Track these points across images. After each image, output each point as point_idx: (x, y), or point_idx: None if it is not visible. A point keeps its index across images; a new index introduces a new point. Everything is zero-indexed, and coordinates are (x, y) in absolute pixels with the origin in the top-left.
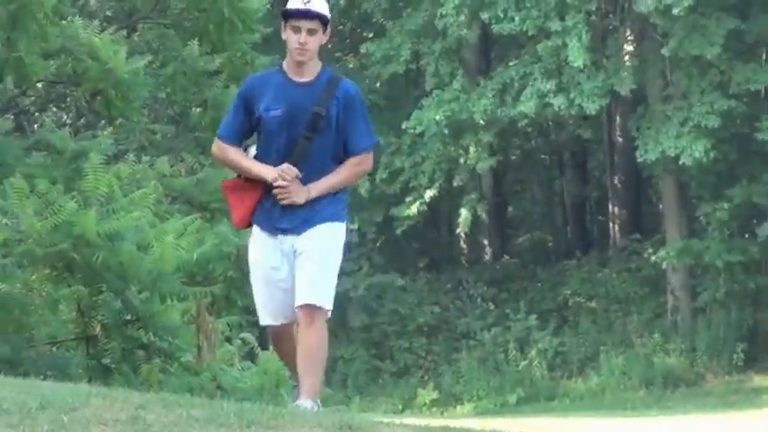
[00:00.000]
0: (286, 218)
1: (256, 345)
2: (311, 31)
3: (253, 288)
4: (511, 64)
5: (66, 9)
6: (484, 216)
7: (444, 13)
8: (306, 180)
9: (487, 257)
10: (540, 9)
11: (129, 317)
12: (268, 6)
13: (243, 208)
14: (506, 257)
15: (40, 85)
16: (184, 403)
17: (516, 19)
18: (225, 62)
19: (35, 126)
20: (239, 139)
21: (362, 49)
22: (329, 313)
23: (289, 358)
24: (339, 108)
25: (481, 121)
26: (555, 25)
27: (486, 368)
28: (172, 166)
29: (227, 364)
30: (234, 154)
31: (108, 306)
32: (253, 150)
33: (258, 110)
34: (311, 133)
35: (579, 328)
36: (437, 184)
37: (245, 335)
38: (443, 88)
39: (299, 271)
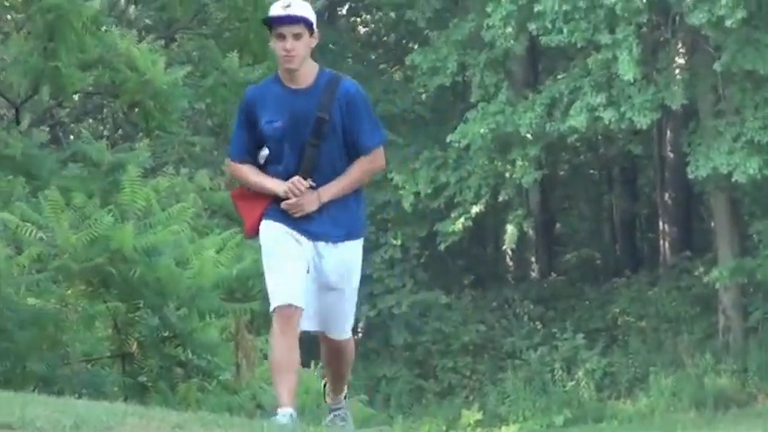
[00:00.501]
0: (309, 223)
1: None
2: (297, 36)
3: (268, 270)
4: (559, 77)
5: (104, 18)
6: (531, 232)
7: (491, 24)
8: (318, 186)
9: (534, 275)
10: (589, 21)
11: (166, 334)
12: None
13: (254, 216)
14: (554, 275)
15: (76, 96)
16: (223, 423)
17: (565, 31)
18: (266, 73)
19: (71, 138)
20: (249, 155)
21: (408, 61)
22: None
23: (278, 354)
24: (342, 110)
25: (528, 135)
26: (605, 38)
27: (533, 388)
28: (211, 180)
29: (266, 383)
30: (246, 171)
31: (145, 323)
32: (265, 153)
33: (260, 123)
34: (317, 140)
35: (628, 348)
36: (483, 200)
37: None
38: (489, 101)
39: (324, 305)
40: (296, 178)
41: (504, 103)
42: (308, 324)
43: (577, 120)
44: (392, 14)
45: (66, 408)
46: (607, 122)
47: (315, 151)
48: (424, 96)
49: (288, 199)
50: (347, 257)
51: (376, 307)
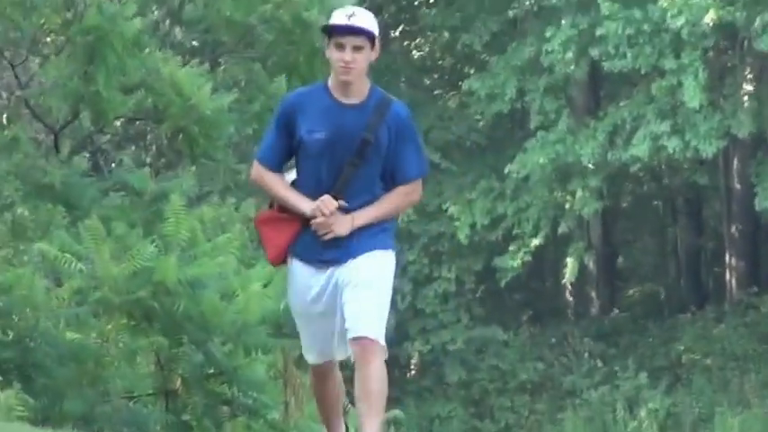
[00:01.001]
0: (329, 249)
1: (347, 401)
2: (357, 48)
3: (296, 323)
4: (622, 104)
5: (146, 40)
6: (591, 266)
7: (550, 49)
8: (350, 210)
9: (595, 310)
10: (653, 45)
11: (211, 370)
12: None
13: (278, 243)
14: (615, 311)
15: (118, 122)
16: None
17: (628, 56)
18: None
19: (112, 166)
20: (280, 164)
21: (464, 86)
22: (386, 350)
23: (324, 402)
24: (390, 134)
25: (589, 166)
26: (670, 63)
27: (593, 429)
28: (258, 209)
29: (315, 422)
30: (273, 180)
31: (189, 359)
32: (291, 176)
33: (300, 131)
34: (358, 160)
35: (693, 387)
36: (542, 233)
37: None
38: (548, 128)
39: (349, 303)
40: (326, 197)
41: (565, 131)
42: (340, 354)
43: (640, 148)
44: (446, 35)
45: None
46: (671, 151)
47: (353, 172)
48: (480, 123)
49: (314, 218)
50: (363, 262)
51: (429, 343)
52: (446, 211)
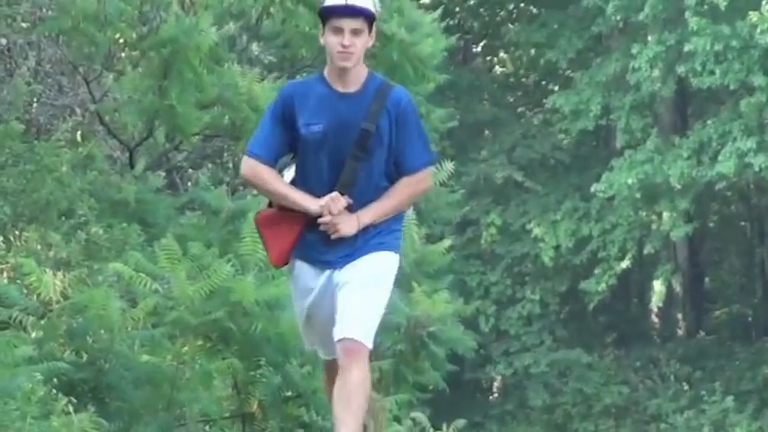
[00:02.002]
0: (333, 250)
1: (428, 425)
2: (355, 32)
3: (301, 323)
4: (709, 122)
5: (223, 55)
6: (678, 288)
7: (637, 66)
8: (355, 207)
9: (681, 333)
10: (742, 62)
11: (288, 393)
12: (444, 53)
13: (282, 245)
14: (702, 333)
15: (194, 138)
16: None
17: (717, 72)
18: None
19: (189, 184)
20: (275, 158)
21: (548, 103)
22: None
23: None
24: (391, 122)
25: (676, 185)
26: (759, 79)
27: None
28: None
29: None
30: (270, 177)
31: (266, 381)
32: (290, 174)
33: (297, 124)
34: (361, 153)
35: None
36: (628, 255)
37: (415, 414)
38: (636, 148)
39: (342, 302)
40: (334, 194)
41: (653, 150)
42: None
43: (726, 165)
44: (530, 51)
45: None
46: (757, 169)
47: (356, 165)
48: (564, 141)
49: (321, 216)
50: (364, 264)
51: (512, 366)
52: (530, 232)
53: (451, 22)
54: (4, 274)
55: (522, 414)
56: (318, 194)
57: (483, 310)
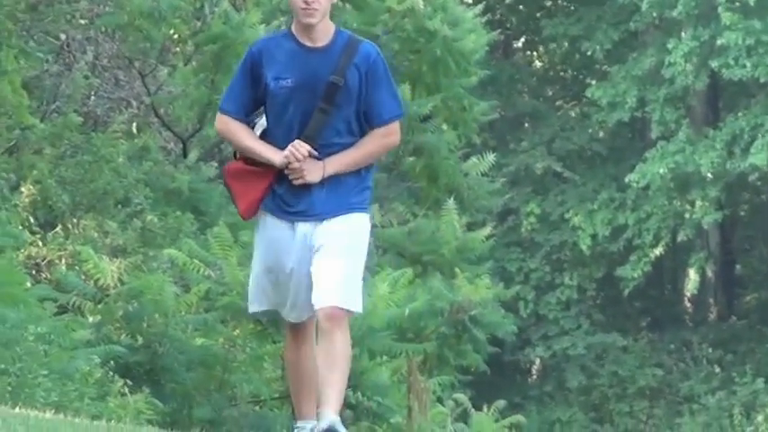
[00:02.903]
0: (302, 201)
1: (470, 406)
2: None
3: (251, 274)
4: (740, 114)
5: None
6: (710, 274)
7: (672, 60)
8: (322, 157)
9: (713, 317)
10: None
11: None
12: (486, 48)
13: (250, 197)
14: (733, 318)
15: None
16: None
17: (748, 65)
18: (439, 106)
19: None
20: (244, 112)
21: (588, 93)
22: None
23: (296, 374)
24: (360, 76)
25: (708, 175)
26: None
27: None
28: (382, 216)
29: (439, 426)
30: (239, 130)
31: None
32: (262, 122)
33: (266, 79)
34: (327, 105)
35: None
36: (662, 242)
37: (457, 395)
38: (669, 139)
39: (319, 269)
40: (296, 142)
41: (684, 141)
42: (308, 311)
43: (758, 157)
44: (566, 45)
45: None
46: None
47: (323, 118)
48: (601, 133)
49: (287, 167)
50: (343, 224)
51: (550, 349)
52: (568, 220)
53: (492, 18)
54: (63, 261)
55: (560, 395)
56: (286, 147)
57: (523, 295)
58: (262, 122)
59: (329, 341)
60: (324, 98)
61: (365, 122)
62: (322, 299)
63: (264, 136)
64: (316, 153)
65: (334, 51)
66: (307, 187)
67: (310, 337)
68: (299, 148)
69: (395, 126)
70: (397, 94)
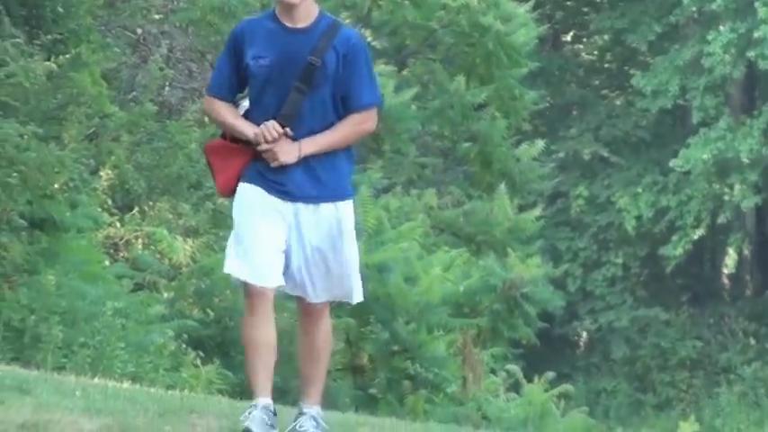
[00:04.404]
0: (287, 180)
1: (521, 376)
2: None
3: (237, 241)
4: None
5: None
6: (746, 252)
7: (711, 51)
8: (298, 138)
9: (749, 293)
10: None
11: (395, 348)
12: (536, 41)
13: (228, 172)
14: None
15: None
16: None
17: None
18: (491, 95)
19: None
20: (230, 93)
21: (632, 83)
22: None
23: (254, 348)
24: (338, 58)
25: (746, 161)
26: None
27: (747, 402)
28: (439, 199)
29: (492, 395)
30: (221, 109)
31: (375, 337)
32: (245, 104)
33: (247, 58)
34: (304, 86)
35: None
36: (703, 224)
37: (510, 366)
38: (709, 126)
39: (312, 266)
40: (270, 122)
41: (725, 128)
42: (280, 280)
43: None
44: (606, 38)
45: None
46: None
47: (300, 98)
48: (644, 121)
49: (259, 144)
50: (330, 219)
51: (597, 322)
52: (614, 203)
53: (542, 13)
54: (139, 241)
55: (606, 366)
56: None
57: (571, 272)
58: (245, 104)
59: (315, 331)
60: (301, 78)
61: (342, 107)
62: (317, 296)
63: (246, 116)
64: (291, 133)
65: (315, 33)
66: (285, 167)
67: (270, 313)
68: (271, 128)
69: (372, 113)
70: (376, 82)
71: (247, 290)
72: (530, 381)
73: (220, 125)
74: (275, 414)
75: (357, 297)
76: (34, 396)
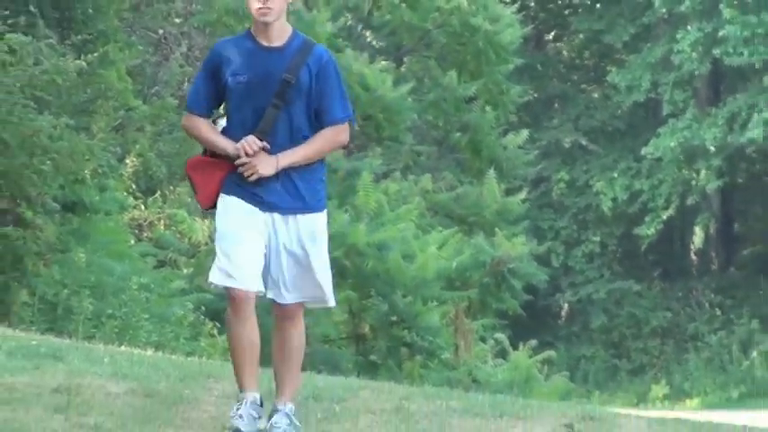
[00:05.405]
0: (265, 191)
1: (508, 344)
2: None
3: (222, 252)
4: (738, 95)
5: (338, 42)
6: (712, 231)
7: (680, 49)
8: (274, 152)
9: (715, 268)
10: (766, 45)
11: (394, 318)
12: (520, 40)
13: (209, 187)
14: (732, 269)
15: None
16: (443, 395)
17: (745, 53)
18: (481, 89)
19: None
20: (208, 109)
21: (608, 78)
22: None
23: (239, 347)
24: (311, 76)
25: (711, 148)
26: None
27: (713, 367)
28: (434, 183)
29: (481, 361)
30: (200, 125)
31: (376, 309)
32: (222, 123)
33: (225, 76)
34: (280, 101)
35: None
36: (673, 205)
37: (497, 335)
38: (678, 117)
39: (285, 268)
40: (249, 137)
41: (691, 119)
42: (261, 285)
43: (754, 132)
44: (585, 37)
45: (307, 382)
46: None
47: (276, 113)
48: (619, 112)
49: (239, 158)
50: (305, 229)
51: (577, 294)
52: (592, 186)
53: (526, 15)
54: (161, 222)
55: (585, 335)
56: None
57: (553, 249)
58: (222, 123)
59: (286, 336)
60: (277, 95)
61: (316, 121)
62: (290, 297)
63: (223, 133)
64: (268, 147)
65: (289, 51)
66: (263, 179)
67: (252, 314)
68: (251, 143)
69: (344, 126)
70: (347, 97)
71: (231, 293)
72: (515, 348)
73: (200, 140)
74: (261, 405)
75: (330, 302)
76: (67, 363)
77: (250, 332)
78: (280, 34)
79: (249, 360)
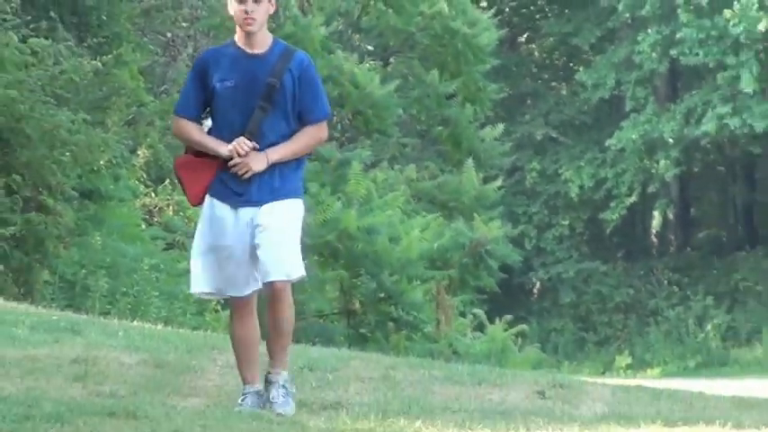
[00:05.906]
0: (247, 188)
1: (485, 319)
2: (256, 0)
3: (194, 258)
4: (694, 92)
5: (331, 45)
6: (671, 216)
7: (641, 49)
8: (262, 149)
9: (673, 249)
10: (719, 46)
11: (382, 295)
12: (496, 42)
13: (198, 184)
14: (689, 249)
15: None
16: (426, 365)
17: (700, 54)
18: (460, 87)
19: None
20: (197, 114)
21: (576, 77)
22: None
23: (241, 343)
24: (294, 79)
25: (670, 140)
26: (731, 59)
27: (671, 339)
28: (418, 173)
29: (461, 334)
30: (191, 129)
31: (365, 286)
32: (208, 123)
33: (213, 81)
34: (266, 104)
35: (747, 308)
36: (635, 192)
37: (476, 310)
38: (639, 112)
39: (264, 248)
40: (241, 138)
41: (651, 114)
42: (256, 284)
43: (708, 126)
44: (555, 39)
45: (302, 353)
46: (732, 128)
47: (262, 115)
48: (586, 107)
49: (231, 159)
50: (281, 209)
51: (548, 273)
52: (561, 175)
53: (501, 19)
54: (170, 208)
55: (555, 310)
56: (230, 140)
57: (527, 232)
58: (207, 123)
59: (278, 311)
60: (263, 98)
61: (298, 120)
62: (270, 273)
63: (211, 134)
64: (257, 146)
65: (272, 57)
66: (250, 177)
67: (253, 310)
68: (243, 144)
69: (323, 124)
70: (325, 98)
71: (232, 302)
72: (492, 322)
73: (191, 143)
74: (263, 396)
75: (300, 272)
76: (84, 336)
77: (250, 331)
78: (262, 42)
79: (250, 357)
